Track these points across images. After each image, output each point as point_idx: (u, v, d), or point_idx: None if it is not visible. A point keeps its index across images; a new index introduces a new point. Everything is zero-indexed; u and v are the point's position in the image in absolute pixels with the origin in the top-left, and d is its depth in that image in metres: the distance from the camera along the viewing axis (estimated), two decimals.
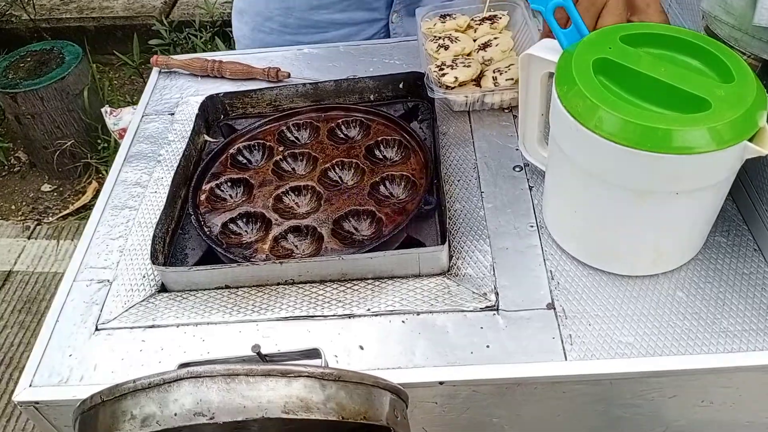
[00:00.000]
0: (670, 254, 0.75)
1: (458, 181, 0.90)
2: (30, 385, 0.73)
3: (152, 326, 0.77)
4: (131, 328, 0.77)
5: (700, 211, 0.71)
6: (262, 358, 0.62)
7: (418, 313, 0.75)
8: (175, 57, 1.17)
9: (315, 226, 0.85)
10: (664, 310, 0.73)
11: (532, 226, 0.83)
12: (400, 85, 1.04)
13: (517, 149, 0.92)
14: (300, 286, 0.79)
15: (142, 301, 0.80)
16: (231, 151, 0.98)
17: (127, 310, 0.79)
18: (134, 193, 0.95)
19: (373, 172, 0.91)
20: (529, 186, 0.88)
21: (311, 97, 1.05)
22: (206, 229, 0.86)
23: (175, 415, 0.49)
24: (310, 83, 1.05)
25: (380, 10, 1.26)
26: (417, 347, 0.72)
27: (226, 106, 1.06)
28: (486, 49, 1.03)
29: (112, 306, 0.80)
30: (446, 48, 1.04)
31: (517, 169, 0.90)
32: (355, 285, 0.79)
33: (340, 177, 0.93)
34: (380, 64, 1.12)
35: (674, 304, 0.73)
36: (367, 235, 0.85)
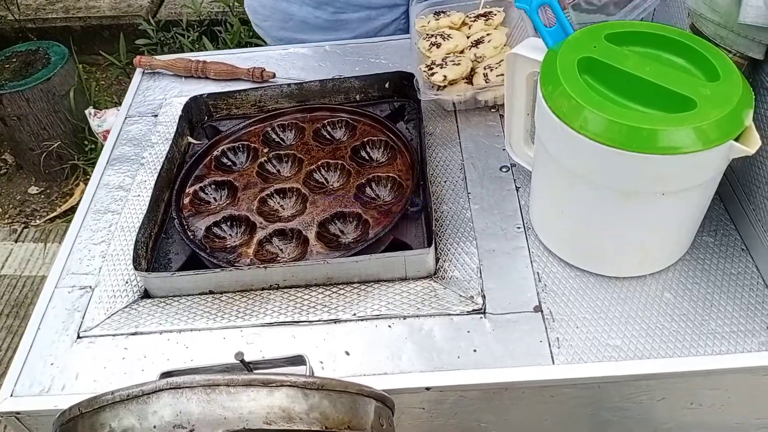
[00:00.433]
0: (657, 255, 0.75)
1: (445, 182, 0.89)
2: (11, 395, 0.72)
3: (135, 333, 0.76)
4: (114, 335, 0.76)
5: (687, 212, 0.71)
6: (246, 365, 0.61)
7: (405, 317, 0.74)
8: (158, 57, 1.15)
9: (300, 229, 0.84)
10: (652, 312, 0.72)
11: (519, 228, 0.82)
12: (387, 85, 1.03)
13: (503, 149, 0.91)
14: (285, 290, 0.78)
15: (125, 307, 0.79)
16: (215, 153, 0.96)
17: (109, 317, 0.78)
18: (117, 197, 0.93)
19: (359, 174, 0.90)
20: (515, 187, 0.87)
21: (296, 97, 1.04)
22: (190, 234, 0.85)
23: (154, 427, 0.48)
24: (295, 83, 1.03)
25: None
26: (403, 352, 0.71)
27: (210, 108, 1.05)
28: (478, 46, 1.02)
29: (94, 313, 0.79)
30: (438, 46, 1.03)
31: (504, 169, 0.89)
32: (341, 289, 0.78)
33: (325, 179, 0.92)
34: (366, 64, 1.11)
35: (662, 306, 0.73)
36: (353, 237, 0.84)
